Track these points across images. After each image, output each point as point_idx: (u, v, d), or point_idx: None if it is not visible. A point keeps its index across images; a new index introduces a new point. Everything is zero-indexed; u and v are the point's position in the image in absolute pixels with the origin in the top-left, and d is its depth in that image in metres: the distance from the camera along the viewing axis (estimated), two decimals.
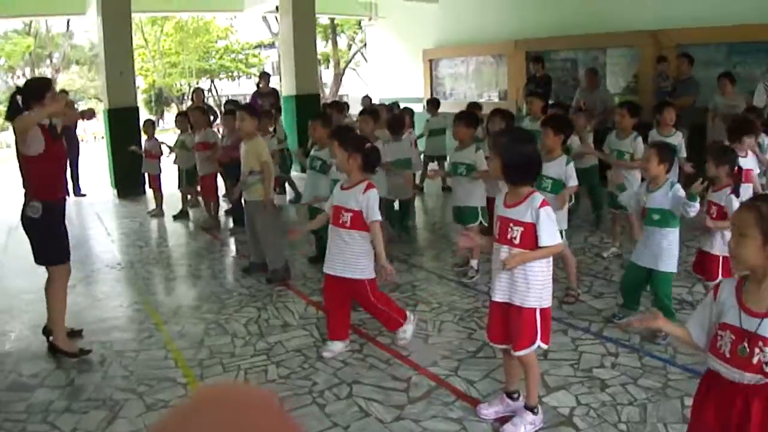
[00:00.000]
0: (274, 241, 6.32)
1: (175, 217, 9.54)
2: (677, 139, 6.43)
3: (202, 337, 5.00)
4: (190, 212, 9.70)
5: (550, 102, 9.10)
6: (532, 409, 3.53)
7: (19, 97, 4.45)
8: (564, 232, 5.42)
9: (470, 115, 6.41)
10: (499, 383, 3.98)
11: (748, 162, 5.66)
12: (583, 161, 7.09)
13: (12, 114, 4.43)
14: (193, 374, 4.35)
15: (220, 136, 9.18)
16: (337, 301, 4.56)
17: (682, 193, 4.35)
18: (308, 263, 6.79)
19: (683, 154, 6.57)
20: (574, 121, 6.67)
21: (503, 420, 3.57)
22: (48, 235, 4.62)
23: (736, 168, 4.81)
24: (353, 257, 4.37)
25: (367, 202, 4.33)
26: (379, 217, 4.36)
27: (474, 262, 6.18)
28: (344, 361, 4.45)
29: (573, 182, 5.29)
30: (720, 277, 4.69)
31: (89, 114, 5.47)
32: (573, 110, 8.88)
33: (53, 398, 4.05)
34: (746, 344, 2.24)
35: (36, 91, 4.49)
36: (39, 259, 4.70)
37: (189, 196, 9.72)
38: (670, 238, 4.51)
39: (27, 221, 4.54)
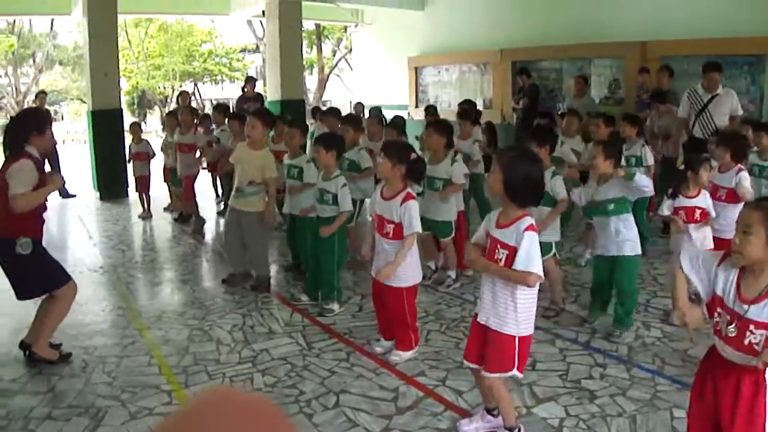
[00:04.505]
0: (263, 251, 6.26)
1: (166, 209, 9.95)
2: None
3: (187, 343, 4.93)
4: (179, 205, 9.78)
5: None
6: (512, 430, 3.46)
7: (19, 127, 4.35)
8: (555, 244, 5.43)
9: (445, 124, 6.15)
10: None
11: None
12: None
13: (13, 147, 4.27)
14: (177, 381, 4.28)
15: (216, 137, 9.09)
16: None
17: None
18: (284, 271, 6.79)
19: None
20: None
21: None
22: (42, 265, 4.44)
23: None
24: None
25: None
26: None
27: (452, 273, 6.18)
28: (331, 371, 4.41)
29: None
30: None
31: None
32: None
33: (34, 404, 3.97)
34: (736, 325, 2.48)
35: (39, 123, 4.40)
36: (43, 288, 4.49)
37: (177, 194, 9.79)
38: (628, 222, 4.77)
39: (11, 259, 4.29)
